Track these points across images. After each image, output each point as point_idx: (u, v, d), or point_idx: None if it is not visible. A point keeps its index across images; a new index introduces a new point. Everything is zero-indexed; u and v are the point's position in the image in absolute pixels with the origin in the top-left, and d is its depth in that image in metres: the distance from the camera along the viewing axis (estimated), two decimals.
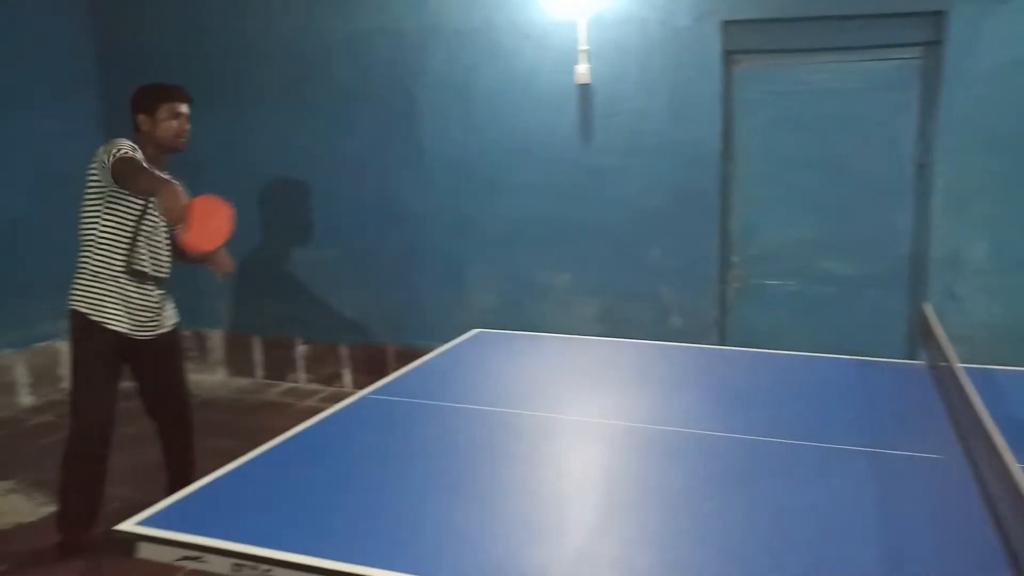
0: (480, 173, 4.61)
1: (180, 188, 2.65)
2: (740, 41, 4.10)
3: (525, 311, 4.62)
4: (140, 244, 2.97)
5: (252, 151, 5.06)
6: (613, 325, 4.42)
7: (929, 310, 3.03)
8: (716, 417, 2.32)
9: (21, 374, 4.82)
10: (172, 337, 3.23)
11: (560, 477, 1.99)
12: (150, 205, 2.96)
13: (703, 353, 3.24)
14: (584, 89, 4.31)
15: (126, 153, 2.81)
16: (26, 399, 4.85)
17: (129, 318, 2.99)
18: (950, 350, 2.49)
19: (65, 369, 5.00)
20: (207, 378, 5.34)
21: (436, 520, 1.74)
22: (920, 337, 3.02)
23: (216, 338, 5.38)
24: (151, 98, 2.99)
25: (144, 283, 3.01)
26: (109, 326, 2.95)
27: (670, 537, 1.67)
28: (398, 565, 1.51)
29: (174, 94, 3.03)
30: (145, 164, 2.86)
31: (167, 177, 2.86)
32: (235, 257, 5.10)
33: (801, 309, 4.26)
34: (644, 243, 4.38)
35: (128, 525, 1.65)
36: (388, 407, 2.44)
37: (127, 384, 3.17)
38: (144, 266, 3.00)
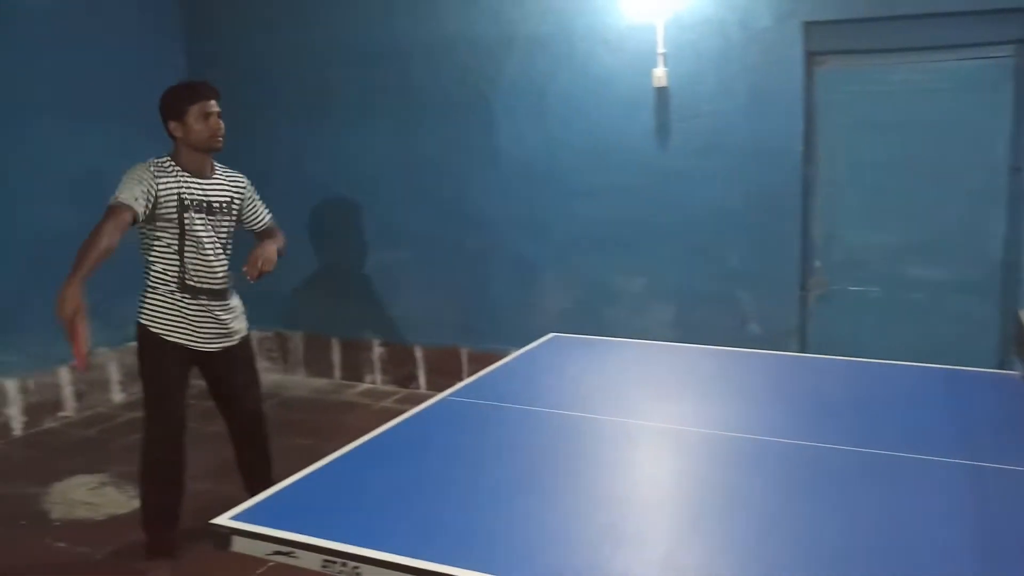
0: (555, 177, 4.63)
1: (71, 294, 2.55)
2: (822, 42, 4.01)
3: (599, 315, 4.61)
4: (187, 260, 2.96)
5: (331, 156, 5.18)
6: (688, 330, 4.36)
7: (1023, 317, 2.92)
8: (801, 426, 2.28)
9: (114, 371, 5.03)
10: (240, 349, 3.17)
11: (641, 483, 1.98)
12: (185, 221, 2.92)
13: (785, 360, 3.18)
14: (661, 92, 4.28)
15: (112, 202, 2.77)
16: (118, 395, 5.06)
17: (191, 332, 2.99)
18: None
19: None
20: (287, 378, 5.49)
21: (519, 522, 1.75)
22: (1014, 346, 2.90)
23: (296, 339, 5.51)
24: (178, 103, 2.91)
25: (198, 297, 2.98)
26: (171, 338, 2.97)
27: (757, 548, 1.65)
28: (483, 566, 1.52)
29: (200, 93, 2.92)
30: (104, 234, 2.68)
31: (79, 276, 2.61)
32: (315, 261, 5.31)
33: (885, 316, 4.13)
34: (721, 247, 4.32)
35: (223, 519, 1.71)
36: (468, 409, 2.47)
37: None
38: (195, 281, 2.98)
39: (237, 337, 3.14)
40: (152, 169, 2.90)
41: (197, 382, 3.15)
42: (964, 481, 1.90)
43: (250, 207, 3.20)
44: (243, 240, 3.20)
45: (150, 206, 2.86)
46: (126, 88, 4.95)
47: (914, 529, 1.69)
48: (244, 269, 2.99)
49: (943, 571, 1.52)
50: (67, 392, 4.79)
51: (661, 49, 4.22)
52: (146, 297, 2.99)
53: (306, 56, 5.15)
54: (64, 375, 4.76)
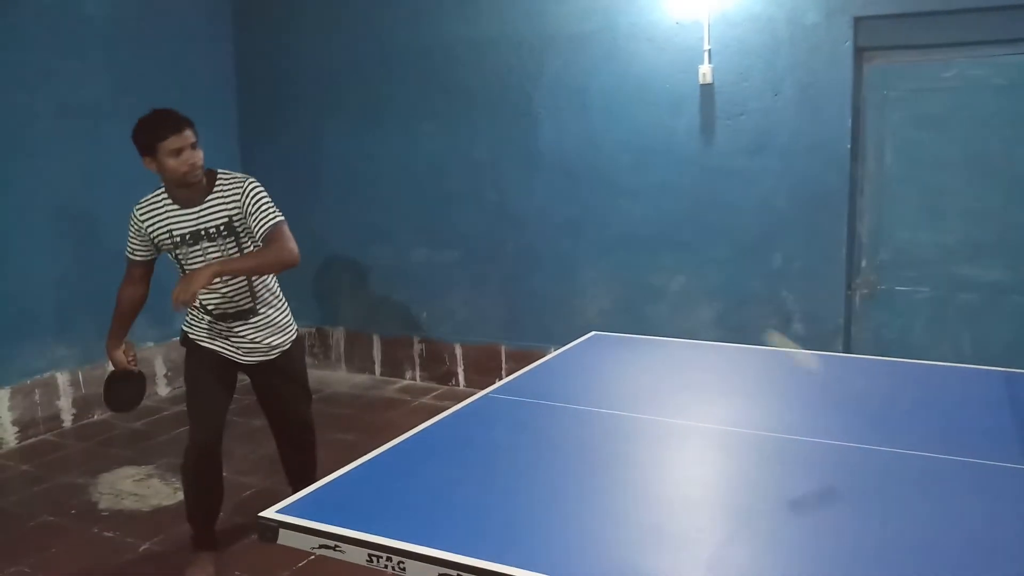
0: (597, 175, 4.60)
1: (109, 356, 3.01)
2: (873, 37, 3.93)
3: (641, 314, 4.57)
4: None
5: (377, 155, 5.21)
6: (731, 330, 4.32)
7: None
8: (847, 428, 2.23)
9: (160, 366, 5.12)
10: (281, 363, 3.07)
11: (686, 483, 1.96)
12: (179, 256, 2.89)
13: (831, 361, 3.12)
14: (706, 89, 4.24)
15: (125, 253, 2.98)
16: (163, 389, 5.15)
17: (223, 346, 2.98)
18: None
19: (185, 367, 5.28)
20: (329, 374, 5.54)
21: (563, 520, 1.74)
22: None
23: (338, 335, 5.56)
24: (145, 142, 2.75)
25: (221, 320, 2.94)
26: (209, 346, 2.98)
27: (805, 550, 1.62)
28: (528, 563, 1.51)
29: (168, 128, 2.72)
30: (121, 296, 3.01)
31: (109, 339, 3.02)
32: (358, 258, 5.35)
33: (934, 317, 4.04)
34: (766, 246, 4.26)
35: (270, 513, 1.72)
36: (510, 407, 2.46)
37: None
38: (211, 307, 2.92)
39: (276, 352, 3.03)
40: (139, 213, 2.88)
41: (245, 380, 3.18)
42: (1016, 486, 1.84)
43: (249, 215, 2.83)
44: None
45: (151, 249, 2.93)
46: (175, 94, 5.02)
47: (967, 535, 1.64)
48: (245, 287, 2.93)
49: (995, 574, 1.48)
50: None
51: (707, 46, 4.17)
52: (187, 312, 3.01)
53: (354, 56, 5.18)
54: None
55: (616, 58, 4.44)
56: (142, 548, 3.29)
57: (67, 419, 4.66)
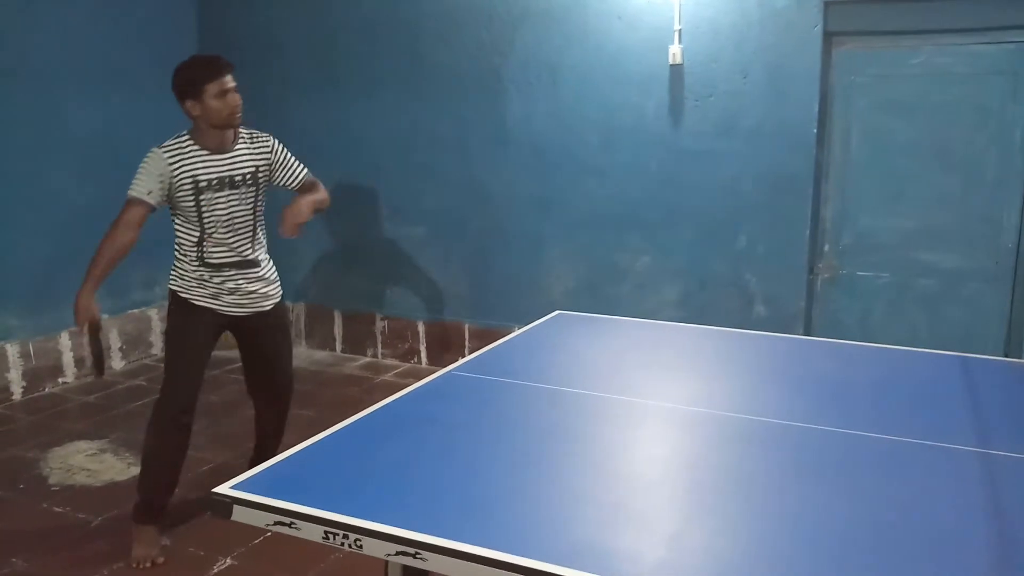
0: (566, 154, 4.57)
1: (83, 305, 2.76)
2: (842, 22, 3.94)
3: (606, 294, 4.57)
4: (207, 239, 2.94)
5: (340, 129, 5.13)
6: (694, 311, 4.34)
7: None
8: (808, 409, 2.24)
9: (115, 339, 5.01)
10: (273, 316, 3.15)
11: (646, 462, 1.95)
12: (203, 202, 2.89)
13: (791, 343, 3.14)
14: (676, 70, 4.22)
15: (128, 195, 2.83)
16: (118, 363, 5.04)
17: (216, 300, 3.00)
18: None
19: (155, 336, 5.18)
20: None
21: (522, 498, 1.73)
22: None
23: (299, 311, 5.49)
24: (193, 81, 2.82)
25: (221, 271, 2.98)
26: (199, 303, 2.98)
27: (764, 528, 1.62)
28: (486, 541, 1.50)
29: (215, 70, 2.83)
30: (117, 235, 2.79)
31: (91, 283, 2.79)
32: (319, 233, 5.27)
33: (894, 302, 4.10)
34: (731, 228, 4.28)
35: (225, 488, 1.68)
36: (472, 384, 2.44)
37: (220, 353, 3.23)
38: (217, 258, 2.97)
39: (269, 303, 3.12)
40: (167, 156, 2.85)
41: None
42: (970, 468, 1.87)
43: (280, 168, 3.10)
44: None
45: (166, 195, 2.88)
46: (138, 58, 4.91)
47: (919, 515, 1.66)
48: (279, 229, 2.98)
49: (948, 558, 1.50)
50: (67, 358, 4.76)
51: (678, 26, 4.15)
52: (175, 265, 3.03)
53: (317, 28, 5.08)
54: (64, 340, 4.73)
55: (587, 35, 4.40)
56: (94, 524, 3.22)
57: (16, 392, 4.54)
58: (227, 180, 2.93)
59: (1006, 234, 3.86)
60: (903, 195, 4.00)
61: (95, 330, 2.86)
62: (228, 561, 2.95)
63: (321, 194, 3.13)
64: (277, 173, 3.09)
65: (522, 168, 4.69)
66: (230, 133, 2.95)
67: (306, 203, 3.00)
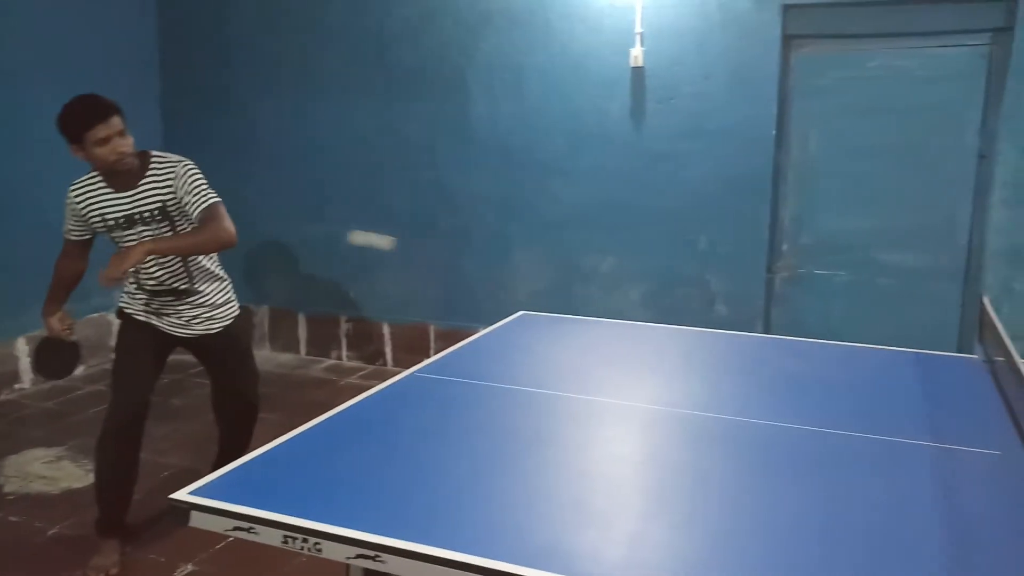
0: (531, 156, 4.59)
1: (45, 324, 2.92)
2: (801, 25, 4.00)
3: (571, 295, 4.60)
4: (136, 269, 2.88)
5: (305, 130, 5.10)
6: (658, 311, 4.38)
7: (988, 303, 2.94)
8: (767, 406, 2.28)
9: None
10: (222, 338, 3.06)
11: (608, 460, 1.97)
12: (115, 238, 2.86)
13: (752, 341, 3.18)
14: (638, 72, 4.25)
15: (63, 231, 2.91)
16: (77, 368, 4.94)
17: (160, 320, 2.97)
18: (1010, 345, 2.41)
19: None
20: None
21: (484, 499, 1.73)
22: (978, 330, 2.93)
23: (262, 314, 5.44)
24: (71, 132, 2.69)
25: (159, 297, 2.94)
26: (143, 320, 2.97)
27: (723, 524, 1.64)
28: (447, 542, 1.50)
29: (91, 118, 2.66)
30: (56, 271, 2.95)
31: (44, 310, 2.96)
32: (284, 235, 5.22)
33: (851, 300, 4.17)
34: (693, 229, 4.32)
35: (182, 494, 1.66)
36: (435, 385, 2.44)
37: (181, 357, 3.20)
38: (150, 286, 2.92)
39: (218, 326, 3.04)
40: (74, 195, 2.86)
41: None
42: (923, 462, 1.91)
43: (185, 195, 2.81)
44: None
45: (87, 229, 2.90)
46: (95, 57, 4.83)
47: (877, 509, 1.69)
48: (181, 269, 2.93)
49: (904, 551, 1.53)
50: (24, 364, 4.67)
51: (639, 29, 4.18)
52: (124, 290, 3.03)
53: (286, 29, 5.04)
54: (21, 346, 4.64)
55: (550, 38, 4.42)
56: (51, 532, 3.17)
57: None
58: (135, 218, 2.82)
59: (959, 232, 3.95)
60: (861, 195, 4.08)
61: (55, 342, 2.97)
62: (190, 567, 2.92)
63: (199, 235, 2.76)
64: (184, 201, 2.80)
65: (488, 170, 4.70)
66: (130, 172, 2.79)
67: (139, 250, 2.61)
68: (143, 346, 2.96)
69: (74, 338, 3.01)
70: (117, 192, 2.81)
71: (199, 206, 2.78)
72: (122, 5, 5.10)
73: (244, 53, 5.17)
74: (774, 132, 4.09)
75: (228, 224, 2.79)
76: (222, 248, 2.81)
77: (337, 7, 4.88)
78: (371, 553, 1.49)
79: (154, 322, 2.97)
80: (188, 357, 3.19)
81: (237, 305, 3.15)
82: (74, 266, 2.97)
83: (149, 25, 5.29)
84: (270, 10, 5.05)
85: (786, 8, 3.97)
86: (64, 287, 2.97)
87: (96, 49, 4.86)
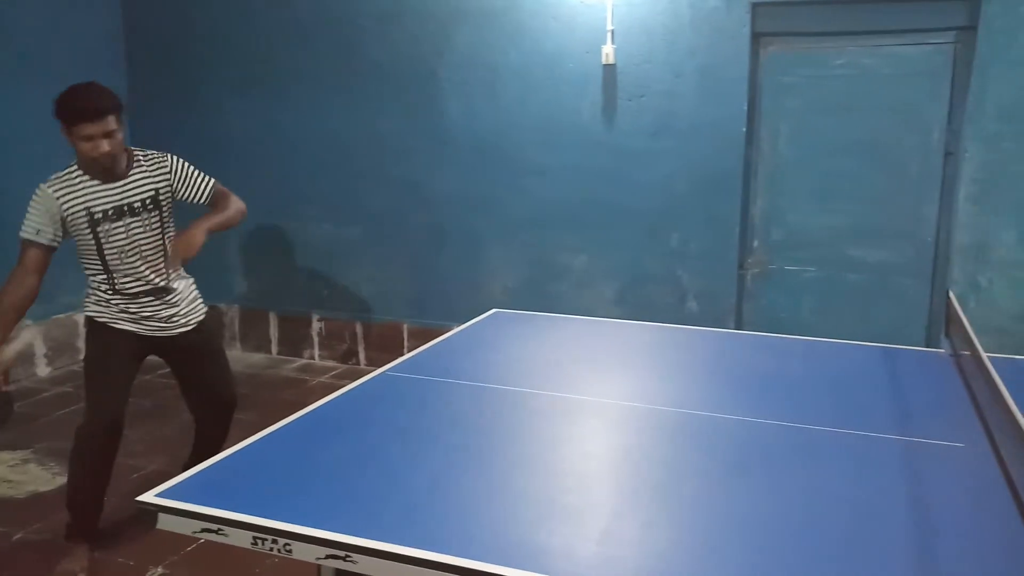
0: (504, 154, 4.58)
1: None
2: (770, 23, 4.03)
3: (545, 293, 4.60)
4: (112, 270, 2.87)
5: (276, 129, 5.05)
6: (631, 308, 4.40)
7: (954, 298, 2.99)
8: (737, 401, 2.30)
9: (40, 345, 4.84)
10: (198, 333, 3.07)
11: (581, 457, 1.97)
12: (100, 235, 2.81)
13: (723, 337, 3.21)
14: (609, 70, 4.26)
15: (20, 239, 2.75)
16: (43, 370, 4.88)
17: (135, 324, 2.93)
18: (975, 339, 2.45)
19: (83, 341, 5.02)
20: None
21: (457, 498, 1.73)
22: (944, 325, 2.98)
23: (233, 313, 5.38)
24: (62, 118, 2.70)
25: (135, 299, 2.91)
26: (118, 326, 2.91)
27: (694, 520, 1.65)
28: (419, 542, 1.50)
29: (77, 117, 2.67)
30: (10, 288, 2.70)
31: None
32: (254, 234, 5.18)
33: (821, 296, 4.21)
34: (665, 226, 4.34)
35: (149, 496, 1.64)
36: (407, 384, 2.43)
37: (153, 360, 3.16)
38: (127, 287, 2.89)
39: (194, 322, 3.05)
40: (53, 191, 2.75)
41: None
42: (891, 455, 1.94)
43: (184, 185, 2.98)
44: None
45: (60, 231, 2.78)
46: (58, 52, 4.74)
47: (846, 501, 1.71)
48: (165, 263, 2.91)
49: (875, 544, 1.55)
50: None
51: (610, 26, 4.19)
52: (89, 292, 2.95)
53: (256, 24, 4.98)
54: None
55: (522, 35, 4.41)
56: (16, 537, 3.11)
57: None
58: (125, 208, 2.83)
59: (926, 228, 4.00)
60: (830, 192, 4.12)
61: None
62: (160, 570, 2.89)
63: (230, 210, 2.99)
64: (181, 191, 2.97)
65: (461, 167, 4.69)
66: (122, 159, 2.82)
67: (200, 231, 2.80)
68: (118, 353, 2.92)
69: (10, 387, 2.81)
70: (104, 183, 2.80)
71: (206, 189, 3.02)
72: (86, 2, 5.01)
73: (212, 50, 5.11)
74: (744, 129, 4.11)
75: (237, 197, 3.07)
76: (244, 217, 3.07)
77: (306, 4, 4.84)
78: (341, 553, 1.48)
79: (131, 328, 2.92)
80: (153, 358, 3.15)
81: (204, 302, 3.17)
82: (28, 285, 2.73)
83: (114, 23, 5.21)
84: (238, 8, 5.00)
85: (755, 6, 4.00)
86: (10, 317, 2.69)
87: (61, 47, 4.78)
